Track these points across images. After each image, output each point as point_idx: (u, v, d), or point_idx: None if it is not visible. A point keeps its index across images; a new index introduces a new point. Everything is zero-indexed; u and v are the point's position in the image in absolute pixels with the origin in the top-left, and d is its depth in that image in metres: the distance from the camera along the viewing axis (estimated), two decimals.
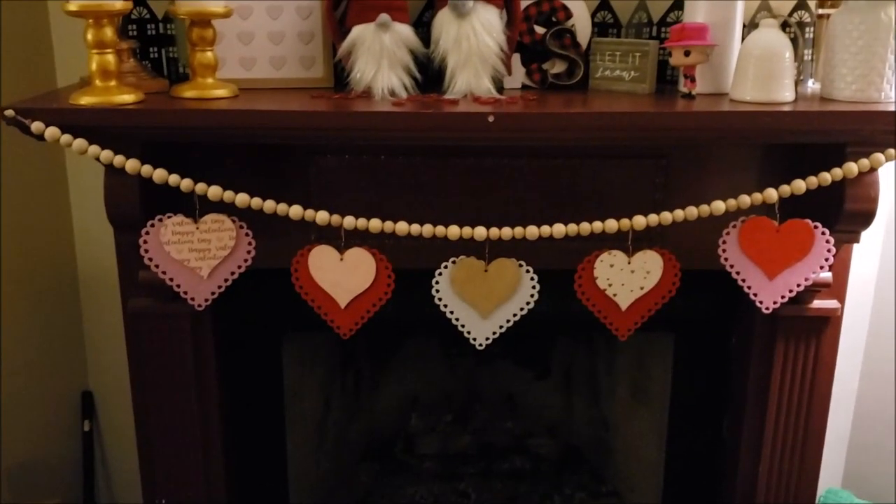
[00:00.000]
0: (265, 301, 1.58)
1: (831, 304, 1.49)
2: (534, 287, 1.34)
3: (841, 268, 1.49)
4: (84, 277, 1.90)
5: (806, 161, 1.37)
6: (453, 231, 1.28)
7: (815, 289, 1.45)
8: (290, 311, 1.42)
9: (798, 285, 1.35)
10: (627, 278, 1.34)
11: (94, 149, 1.24)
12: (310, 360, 1.85)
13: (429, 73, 1.41)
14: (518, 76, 1.50)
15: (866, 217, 1.36)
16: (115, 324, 1.70)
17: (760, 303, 1.36)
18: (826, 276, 1.43)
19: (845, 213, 1.35)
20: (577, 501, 2.02)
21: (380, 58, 1.35)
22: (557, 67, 1.51)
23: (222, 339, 1.57)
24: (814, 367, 1.53)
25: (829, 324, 1.51)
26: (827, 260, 1.33)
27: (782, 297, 1.35)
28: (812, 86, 1.50)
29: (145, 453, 1.59)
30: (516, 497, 2.03)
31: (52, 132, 1.22)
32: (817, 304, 1.49)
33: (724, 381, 1.66)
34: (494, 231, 1.28)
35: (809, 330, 1.50)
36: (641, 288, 1.34)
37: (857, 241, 1.42)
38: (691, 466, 1.76)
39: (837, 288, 1.49)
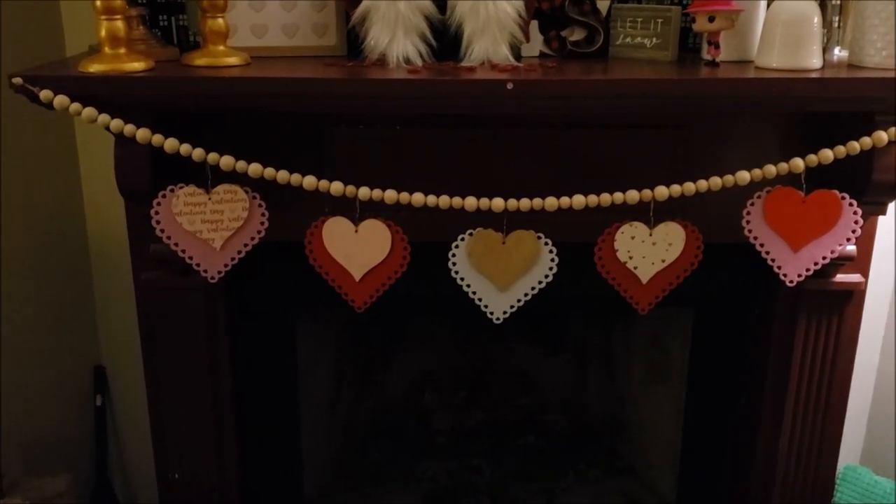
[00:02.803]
0: (279, 275, 1.56)
1: (855, 277, 1.47)
2: (552, 260, 1.32)
3: (866, 241, 1.45)
4: (95, 250, 1.89)
5: (830, 131, 1.32)
6: (470, 202, 1.25)
7: (839, 262, 1.41)
8: (303, 286, 1.40)
9: (824, 258, 1.32)
10: (649, 251, 1.31)
11: (103, 118, 1.21)
12: (323, 336, 1.83)
13: (445, 41, 1.37)
14: (536, 44, 1.46)
15: (895, 188, 1.32)
16: (127, 297, 1.68)
17: (784, 276, 1.33)
18: (850, 248, 1.40)
19: (873, 184, 1.31)
20: (592, 478, 2.01)
21: (394, 25, 1.31)
22: (577, 35, 1.47)
23: (235, 314, 1.55)
24: (836, 342, 1.50)
25: (852, 298, 1.48)
26: (854, 232, 1.30)
27: (807, 270, 1.33)
28: (839, 54, 1.45)
29: (158, 428, 1.58)
30: (530, 474, 2.02)
31: (60, 100, 1.20)
32: (841, 277, 1.46)
33: (743, 356, 1.64)
34: (512, 202, 1.25)
35: (832, 304, 1.48)
36: (663, 261, 1.32)
37: (884, 213, 1.40)
38: (708, 443, 1.74)
39: (861, 261, 1.46)
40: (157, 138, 1.22)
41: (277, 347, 1.67)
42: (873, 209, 1.37)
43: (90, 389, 1.94)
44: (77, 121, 1.31)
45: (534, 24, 1.44)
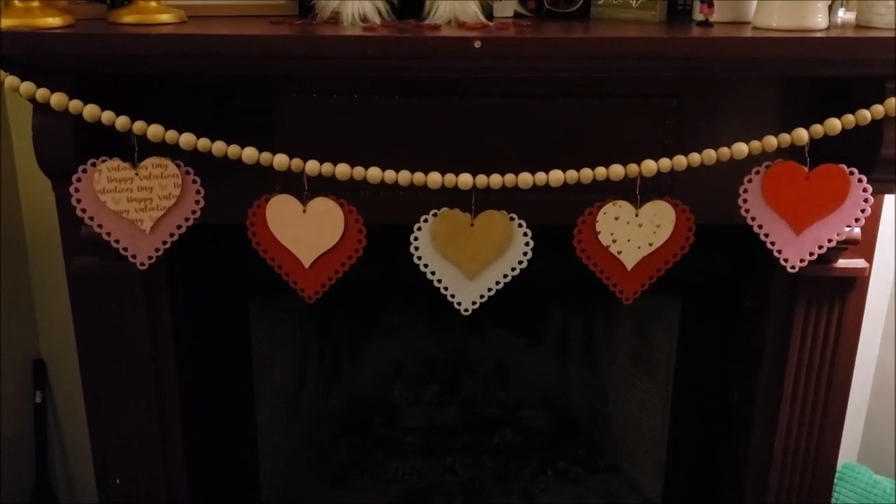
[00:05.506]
0: (229, 260, 1.45)
1: (858, 263, 1.37)
2: (527, 244, 1.21)
3: (871, 223, 1.35)
4: (32, 234, 1.78)
5: (836, 101, 1.22)
6: (434, 178, 1.14)
7: (842, 246, 1.31)
8: (257, 271, 1.29)
9: (829, 241, 1.22)
10: (634, 233, 1.20)
11: (12, 80, 1.07)
12: (281, 326, 1.74)
13: None
14: (510, 3, 1.35)
15: None
16: (67, 286, 1.56)
17: (786, 261, 1.23)
18: (855, 231, 1.30)
19: (882, 159, 1.21)
20: (573, 476, 1.95)
21: None
22: None
23: (181, 303, 1.45)
24: (836, 332, 1.42)
25: (855, 285, 1.39)
26: (864, 212, 1.20)
27: (810, 254, 1.23)
28: (843, 16, 1.34)
29: (97, 430, 1.49)
30: (507, 473, 1.96)
31: None
32: (843, 263, 1.36)
33: (734, 347, 1.57)
34: (482, 178, 1.14)
35: (833, 292, 1.39)
36: (650, 244, 1.21)
37: (893, 191, 1.29)
38: (697, 439, 1.69)
39: (866, 245, 1.37)
40: (74, 104, 1.09)
41: (230, 340, 1.58)
42: (881, 187, 1.26)
43: (29, 385, 1.84)
44: (6, 91, 1.17)
45: None
